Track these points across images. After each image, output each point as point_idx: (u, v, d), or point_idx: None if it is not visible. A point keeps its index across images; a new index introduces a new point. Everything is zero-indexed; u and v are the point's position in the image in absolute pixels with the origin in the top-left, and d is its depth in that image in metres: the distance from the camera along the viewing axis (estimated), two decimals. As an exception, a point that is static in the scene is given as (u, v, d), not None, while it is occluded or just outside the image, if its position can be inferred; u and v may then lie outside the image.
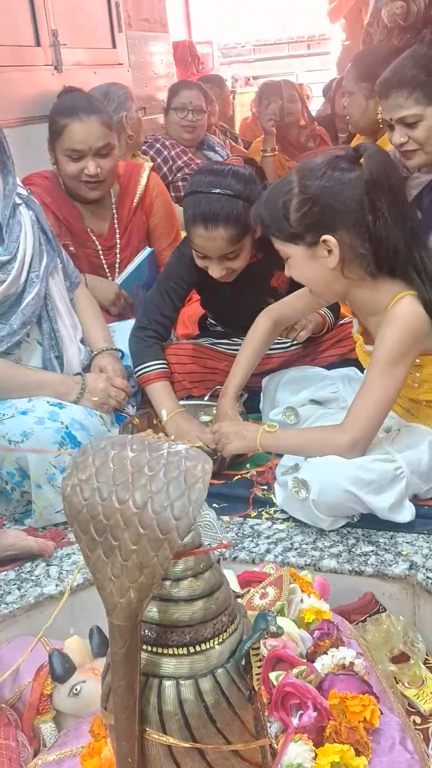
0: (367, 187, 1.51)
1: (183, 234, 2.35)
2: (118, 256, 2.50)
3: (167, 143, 3.49)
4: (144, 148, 3.44)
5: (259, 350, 2.00)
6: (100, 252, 2.47)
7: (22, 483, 1.78)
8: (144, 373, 2.09)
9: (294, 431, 1.84)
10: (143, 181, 2.51)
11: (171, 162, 3.47)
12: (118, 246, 2.50)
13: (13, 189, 1.88)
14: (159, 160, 3.44)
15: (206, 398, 2.19)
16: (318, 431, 1.74)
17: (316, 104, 5.06)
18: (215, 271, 1.97)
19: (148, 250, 2.51)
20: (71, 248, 2.37)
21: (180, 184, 3.40)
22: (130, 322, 2.30)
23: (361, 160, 1.54)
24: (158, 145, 3.45)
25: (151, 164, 2.63)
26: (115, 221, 2.48)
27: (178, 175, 3.45)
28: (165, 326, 2.19)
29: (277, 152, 3.90)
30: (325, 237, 1.54)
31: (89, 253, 2.44)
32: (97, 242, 2.46)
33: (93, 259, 2.46)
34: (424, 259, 1.60)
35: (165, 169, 3.43)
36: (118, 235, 2.49)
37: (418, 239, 1.61)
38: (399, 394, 1.66)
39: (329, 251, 1.56)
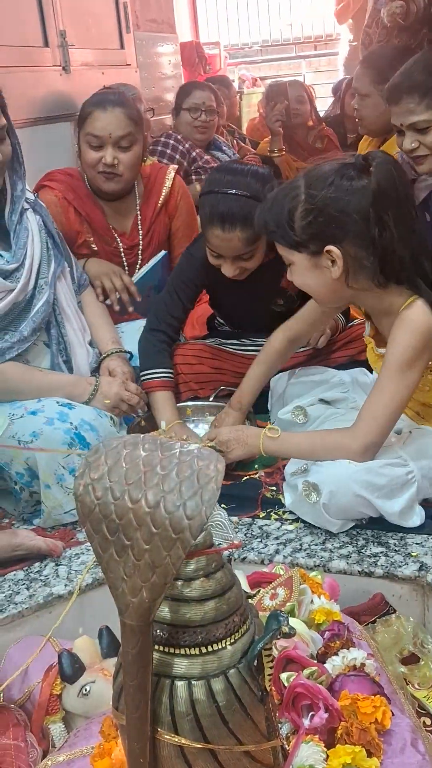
0: (375, 198, 1.49)
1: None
2: (140, 255, 2.50)
3: (179, 138, 3.51)
4: (159, 148, 3.42)
5: (272, 368, 2.00)
6: (122, 251, 2.46)
7: (32, 483, 1.78)
8: (148, 378, 2.10)
9: (300, 434, 1.83)
10: (168, 183, 2.50)
11: (188, 155, 3.48)
12: (140, 246, 2.49)
13: (22, 195, 1.89)
14: (177, 155, 3.44)
15: (211, 398, 2.19)
16: (327, 435, 1.72)
17: (323, 105, 5.04)
18: (229, 271, 1.97)
19: (162, 253, 2.50)
20: (93, 246, 2.38)
21: (193, 177, 3.41)
22: (139, 323, 2.31)
23: (371, 170, 1.51)
24: (172, 141, 3.46)
25: (176, 167, 2.63)
26: (139, 221, 2.47)
27: (192, 167, 3.47)
28: (175, 328, 2.19)
29: (284, 152, 3.89)
30: (329, 248, 1.53)
31: (111, 251, 2.44)
32: (119, 241, 2.45)
33: (114, 257, 2.45)
34: (428, 268, 1.59)
35: (185, 163, 3.44)
36: (141, 235, 2.48)
37: (425, 249, 1.61)
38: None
39: (333, 261, 1.54)
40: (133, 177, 2.38)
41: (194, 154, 3.53)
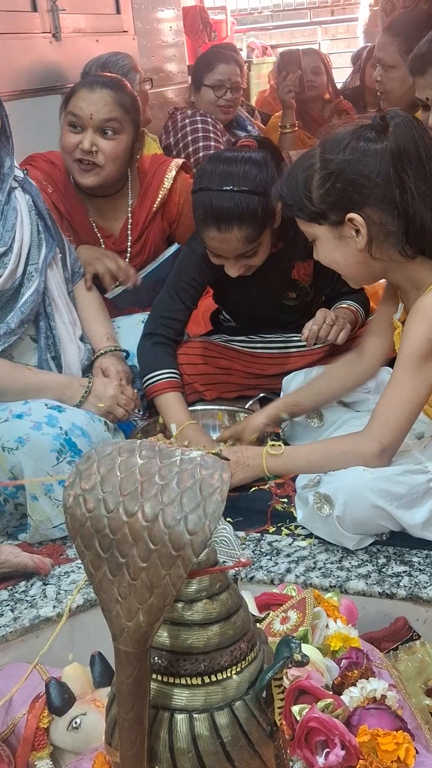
0: (394, 158, 1.50)
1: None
2: (128, 263, 2.44)
3: (209, 117, 3.42)
4: (201, 134, 3.33)
5: (332, 383, 1.94)
6: None
7: (17, 494, 1.78)
8: (153, 382, 2.09)
9: (307, 446, 1.82)
10: (168, 182, 2.44)
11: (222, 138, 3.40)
12: (128, 253, 2.45)
13: (10, 173, 1.89)
14: (223, 138, 3.35)
15: (248, 405, 2.19)
16: (338, 442, 1.72)
17: (340, 76, 5.04)
18: (232, 271, 1.97)
19: (174, 247, 2.46)
20: (72, 244, 2.33)
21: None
22: (137, 317, 2.31)
23: (389, 129, 1.52)
24: (211, 121, 3.37)
25: (180, 162, 2.53)
26: (129, 224, 2.43)
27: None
28: (176, 330, 2.19)
29: (297, 128, 3.89)
30: (350, 215, 1.54)
31: None
32: (102, 243, 2.42)
33: None
34: None
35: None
36: (130, 241, 2.44)
37: None
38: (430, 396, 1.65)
39: (356, 231, 1.55)
40: (116, 172, 2.30)
41: (225, 138, 3.44)
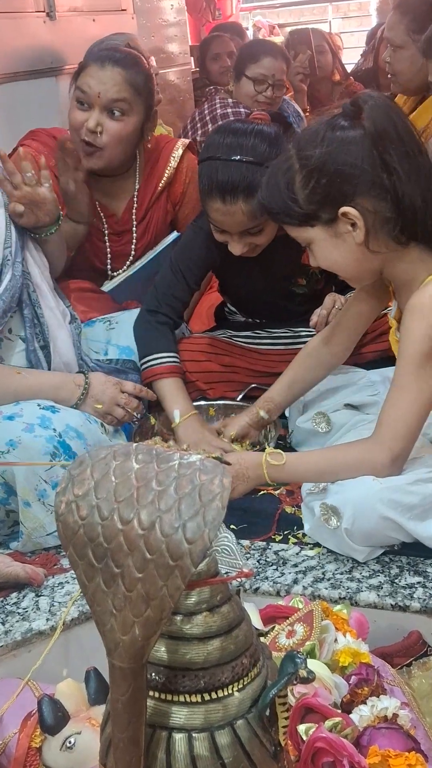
0: (374, 141, 1.51)
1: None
2: (133, 246, 2.47)
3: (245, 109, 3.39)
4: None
5: (298, 370, 1.98)
6: (106, 235, 2.45)
7: (8, 500, 1.78)
8: (152, 365, 2.09)
9: (313, 453, 1.82)
10: (174, 161, 2.46)
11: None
12: (134, 235, 2.46)
13: None
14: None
15: (239, 398, 2.19)
16: (345, 450, 1.71)
17: (352, 56, 5.05)
18: (236, 248, 1.97)
19: (174, 235, 2.47)
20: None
21: None
22: (136, 313, 2.31)
23: (362, 115, 1.53)
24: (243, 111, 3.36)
25: (187, 141, 2.55)
26: (134, 204, 2.44)
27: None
28: (177, 311, 2.19)
29: (308, 113, 3.89)
30: (343, 209, 1.54)
31: (92, 233, 2.42)
32: (105, 222, 2.43)
33: (96, 241, 2.44)
34: None
35: None
36: (135, 221, 2.45)
37: None
38: None
39: (353, 224, 1.56)
40: (121, 154, 2.31)
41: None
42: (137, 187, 2.44)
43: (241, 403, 2.18)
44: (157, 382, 2.07)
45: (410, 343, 1.58)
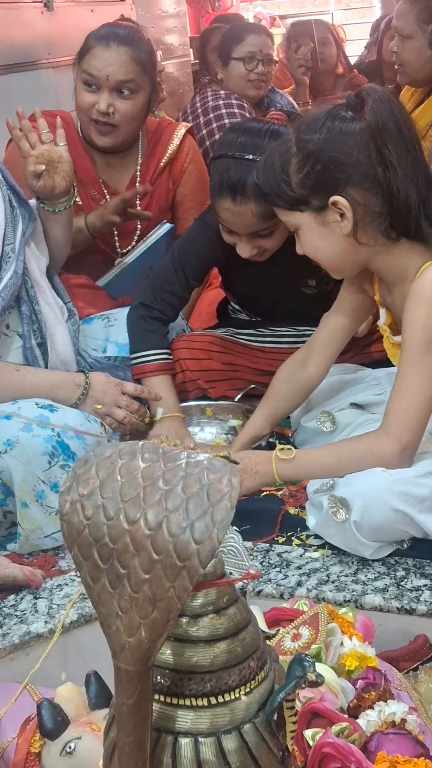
0: (373, 134, 1.53)
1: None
2: (138, 224, 2.51)
3: (238, 99, 3.40)
4: (226, 120, 3.32)
5: (277, 397, 1.97)
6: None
7: (6, 501, 1.78)
8: (142, 362, 2.10)
9: (321, 448, 1.82)
10: (176, 141, 2.53)
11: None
12: (138, 208, 2.50)
13: None
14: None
15: (237, 399, 2.19)
16: (354, 442, 1.73)
17: (356, 48, 5.04)
18: (244, 250, 1.96)
19: (167, 227, 2.49)
20: (77, 199, 2.30)
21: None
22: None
23: (365, 108, 1.55)
24: (235, 102, 3.36)
25: (189, 125, 2.63)
26: (137, 180, 2.49)
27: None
28: (174, 307, 2.19)
29: (310, 106, 3.89)
30: (333, 199, 1.56)
31: (96, 210, 2.45)
32: (109, 198, 2.47)
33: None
34: None
35: None
36: (138, 197, 2.49)
37: None
38: None
39: (341, 214, 1.58)
40: (133, 132, 2.38)
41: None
42: (139, 162, 2.49)
43: (238, 404, 2.18)
44: (147, 380, 2.09)
45: (412, 330, 1.59)
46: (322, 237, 1.63)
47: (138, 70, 2.28)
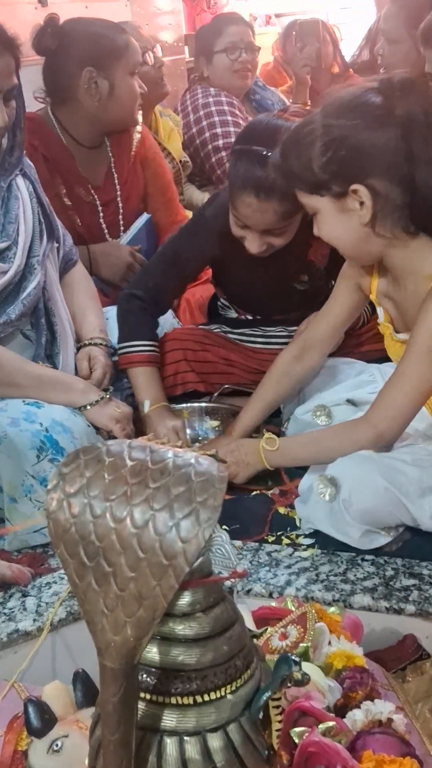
0: (402, 124, 1.51)
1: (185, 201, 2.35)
2: (120, 213, 2.56)
3: (228, 96, 3.40)
4: (228, 117, 3.34)
5: (275, 388, 2.00)
6: (99, 207, 2.52)
7: (-7, 497, 1.78)
8: (130, 352, 2.09)
9: (303, 436, 1.87)
10: (137, 135, 2.61)
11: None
12: (119, 200, 2.56)
13: (17, 164, 1.92)
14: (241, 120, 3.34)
15: (211, 399, 2.19)
16: (333, 428, 1.78)
17: (351, 48, 5.03)
18: (254, 246, 1.95)
19: (145, 216, 2.57)
20: (66, 200, 2.43)
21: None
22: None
23: (396, 93, 1.52)
24: (224, 99, 3.36)
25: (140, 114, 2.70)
26: (113, 171, 2.55)
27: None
28: (165, 302, 2.20)
29: (308, 106, 3.88)
30: (354, 187, 1.54)
31: (86, 209, 2.50)
32: (95, 194, 2.52)
33: (90, 215, 2.51)
34: None
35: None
36: (118, 187, 2.55)
37: None
38: None
39: (361, 203, 1.56)
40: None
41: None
42: (111, 153, 2.55)
43: (214, 404, 2.18)
44: (133, 370, 2.09)
45: (423, 334, 1.58)
46: (340, 223, 1.61)
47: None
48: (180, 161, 3.22)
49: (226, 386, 2.21)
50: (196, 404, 2.20)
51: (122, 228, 2.59)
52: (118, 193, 2.56)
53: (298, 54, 3.93)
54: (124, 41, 2.42)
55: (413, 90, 1.53)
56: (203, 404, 2.20)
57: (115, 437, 1.95)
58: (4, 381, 1.82)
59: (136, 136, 2.61)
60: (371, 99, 1.53)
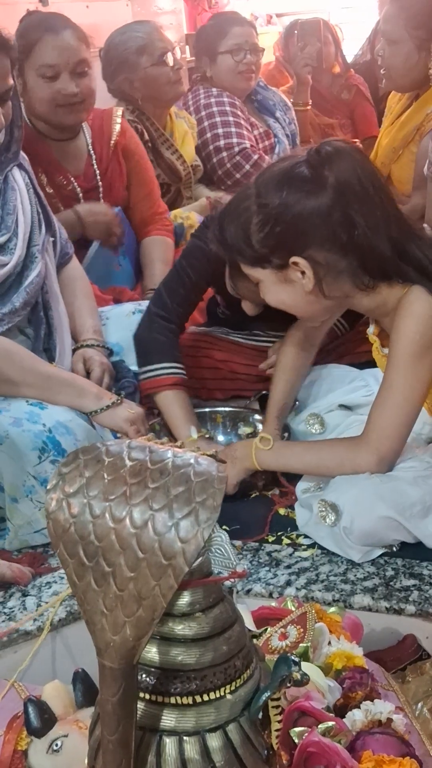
0: (336, 194, 1.52)
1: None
2: (102, 201, 2.61)
3: (231, 98, 3.42)
4: (229, 117, 3.35)
5: (291, 380, 1.98)
6: (80, 195, 2.57)
7: (-6, 497, 1.78)
8: (159, 375, 2.02)
9: (301, 443, 1.85)
10: (118, 120, 2.66)
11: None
12: (100, 189, 2.61)
13: (13, 159, 1.94)
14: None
15: (248, 404, 2.17)
16: (333, 445, 1.74)
17: (354, 48, 5.02)
18: (250, 310, 2.01)
19: (116, 209, 2.62)
20: (47, 188, 2.46)
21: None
22: (126, 308, 2.31)
23: (325, 165, 1.53)
24: (227, 99, 3.37)
25: (122, 108, 2.77)
26: (93, 160, 2.59)
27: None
28: (187, 314, 2.16)
29: (309, 107, 3.88)
30: (294, 259, 1.56)
31: (67, 195, 2.54)
32: (75, 183, 2.56)
33: (72, 202, 2.54)
34: (424, 252, 1.59)
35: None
36: (98, 176, 2.59)
37: (408, 232, 1.61)
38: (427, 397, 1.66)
39: (303, 272, 1.57)
40: (93, 102, 2.52)
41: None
42: (89, 143, 2.59)
43: (247, 409, 2.15)
44: (162, 395, 2.01)
45: (400, 342, 1.59)
46: (285, 292, 1.63)
47: (84, 47, 2.42)
48: (192, 165, 3.21)
49: (264, 392, 2.16)
50: (230, 409, 2.16)
51: None
52: (99, 182, 2.60)
53: (299, 54, 3.92)
54: (32, 41, 2.38)
55: (342, 157, 1.53)
56: (237, 409, 2.16)
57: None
58: (16, 379, 1.81)
59: (116, 128, 2.64)
60: (302, 172, 1.54)
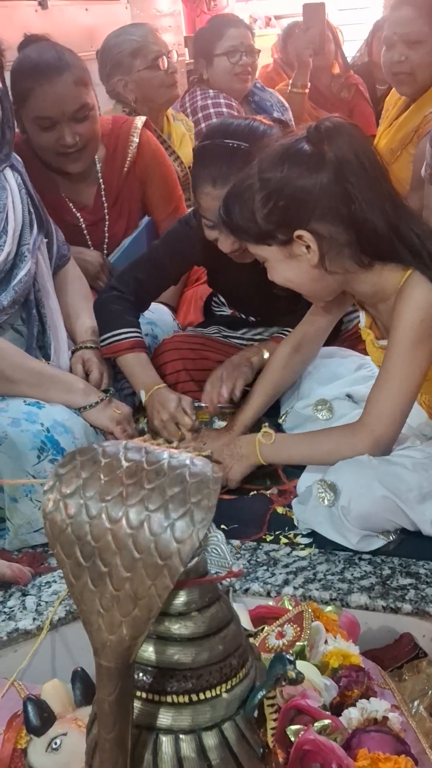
0: (334, 169, 1.54)
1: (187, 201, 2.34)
2: (107, 233, 2.52)
3: (227, 98, 3.42)
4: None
5: (276, 381, 2.01)
6: (84, 228, 2.49)
7: (-6, 497, 1.78)
8: (115, 341, 2.07)
9: (298, 434, 1.88)
10: (135, 139, 2.51)
11: None
12: (107, 220, 2.51)
13: (5, 160, 1.93)
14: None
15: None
16: (329, 432, 1.77)
17: (348, 49, 5.02)
18: (225, 245, 1.96)
19: (146, 219, 2.54)
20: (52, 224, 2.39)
21: None
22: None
23: (325, 140, 1.56)
24: (223, 100, 3.38)
25: (144, 118, 2.61)
26: (102, 191, 2.49)
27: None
28: (145, 300, 2.19)
29: (307, 90, 3.87)
30: (298, 233, 1.58)
31: (70, 229, 2.43)
32: (79, 216, 2.48)
33: (76, 236, 2.46)
34: (417, 233, 1.61)
35: None
36: (106, 208, 2.50)
37: (404, 213, 1.63)
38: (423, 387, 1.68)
39: (307, 247, 1.60)
40: (97, 142, 2.38)
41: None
42: (100, 170, 2.48)
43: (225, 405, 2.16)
44: (122, 358, 2.07)
45: (400, 330, 1.61)
46: (290, 268, 1.65)
47: (84, 90, 2.25)
48: (189, 167, 3.22)
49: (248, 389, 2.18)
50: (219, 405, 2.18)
51: (107, 247, 2.54)
52: (107, 214, 2.51)
53: (301, 36, 3.91)
54: (26, 90, 2.21)
55: (340, 133, 1.56)
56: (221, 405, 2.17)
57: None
58: (4, 375, 1.82)
59: (132, 147, 2.50)
60: (302, 148, 1.57)
